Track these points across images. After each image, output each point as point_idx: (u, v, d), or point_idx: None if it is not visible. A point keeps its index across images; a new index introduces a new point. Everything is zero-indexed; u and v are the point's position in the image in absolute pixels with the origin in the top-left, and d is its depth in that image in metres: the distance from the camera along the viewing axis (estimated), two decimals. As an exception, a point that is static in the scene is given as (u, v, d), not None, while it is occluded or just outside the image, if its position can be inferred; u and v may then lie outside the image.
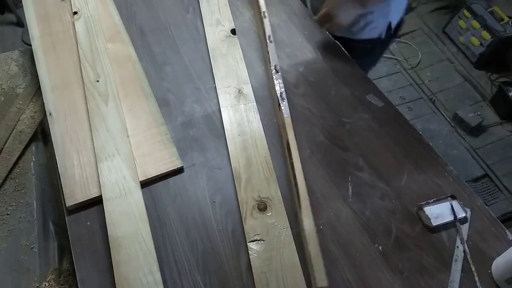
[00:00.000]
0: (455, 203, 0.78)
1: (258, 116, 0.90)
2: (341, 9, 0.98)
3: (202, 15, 1.12)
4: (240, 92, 0.94)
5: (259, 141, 0.86)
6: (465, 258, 0.72)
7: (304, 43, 1.07)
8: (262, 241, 0.72)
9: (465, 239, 0.74)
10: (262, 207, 0.76)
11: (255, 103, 0.93)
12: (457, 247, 0.74)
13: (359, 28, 1.11)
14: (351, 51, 1.07)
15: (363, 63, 1.10)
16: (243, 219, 0.75)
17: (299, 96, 0.96)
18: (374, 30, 1.12)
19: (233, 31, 1.08)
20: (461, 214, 0.77)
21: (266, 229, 0.74)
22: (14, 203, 0.90)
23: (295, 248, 0.71)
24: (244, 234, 0.74)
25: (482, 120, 2.21)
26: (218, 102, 0.93)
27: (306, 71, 1.01)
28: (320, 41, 1.08)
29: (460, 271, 0.71)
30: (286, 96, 0.91)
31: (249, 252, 0.71)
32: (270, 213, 0.75)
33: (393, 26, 1.13)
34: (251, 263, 0.70)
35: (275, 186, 0.79)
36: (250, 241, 0.72)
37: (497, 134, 2.24)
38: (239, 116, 0.90)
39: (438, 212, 0.77)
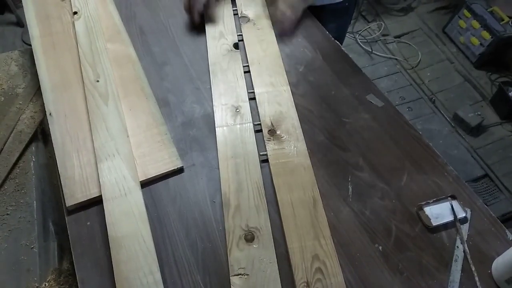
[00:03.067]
0: (455, 203, 0.78)
1: (254, 138, 0.86)
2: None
3: (206, 28, 1.08)
4: (237, 111, 0.90)
5: (252, 165, 0.82)
6: (465, 258, 0.72)
7: (304, 43, 1.07)
8: (246, 276, 0.68)
9: (465, 239, 0.74)
10: (249, 237, 0.72)
11: (251, 124, 0.89)
12: (457, 247, 0.74)
13: None
14: (332, 14, 1.13)
15: (343, 23, 1.16)
16: (228, 249, 0.71)
17: (299, 96, 0.96)
18: None
19: (236, 45, 1.05)
20: (461, 214, 0.77)
21: (252, 262, 0.69)
22: (14, 203, 0.91)
23: (280, 286, 0.67)
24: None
25: (482, 120, 2.21)
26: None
27: (306, 71, 1.01)
28: (320, 41, 1.08)
29: (460, 271, 0.71)
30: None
31: (231, 287, 0.67)
32: (257, 245, 0.71)
33: None
34: None
35: (265, 215, 0.75)
36: (234, 275, 0.68)
37: (497, 134, 2.24)
38: (234, 136, 0.86)
39: (438, 212, 0.77)
